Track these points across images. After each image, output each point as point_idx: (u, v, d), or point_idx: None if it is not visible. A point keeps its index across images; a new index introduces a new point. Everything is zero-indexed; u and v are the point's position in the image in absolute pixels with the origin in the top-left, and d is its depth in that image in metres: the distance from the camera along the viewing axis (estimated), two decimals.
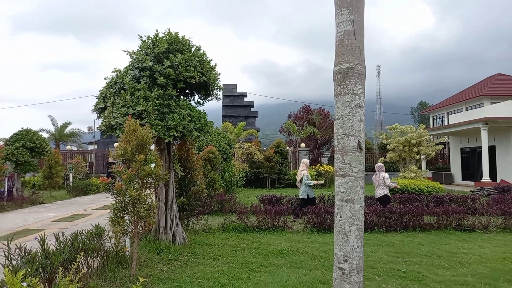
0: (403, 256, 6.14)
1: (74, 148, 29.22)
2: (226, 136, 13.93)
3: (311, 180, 10.08)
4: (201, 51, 6.38)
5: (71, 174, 17.33)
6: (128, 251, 5.35)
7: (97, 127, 6.04)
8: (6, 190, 12.70)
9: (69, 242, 4.12)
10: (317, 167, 22.30)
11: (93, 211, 11.61)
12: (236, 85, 27.91)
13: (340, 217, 3.25)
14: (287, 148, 21.90)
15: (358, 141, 3.27)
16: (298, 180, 9.88)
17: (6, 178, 12.71)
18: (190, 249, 6.32)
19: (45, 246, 3.65)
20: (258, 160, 20.13)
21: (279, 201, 11.05)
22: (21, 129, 14.11)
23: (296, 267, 5.41)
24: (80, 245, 3.96)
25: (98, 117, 6.28)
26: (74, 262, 3.37)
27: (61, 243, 4.15)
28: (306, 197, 9.56)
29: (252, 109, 28.59)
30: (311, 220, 8.29)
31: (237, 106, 27.26)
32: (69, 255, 3.59)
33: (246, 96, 28.60)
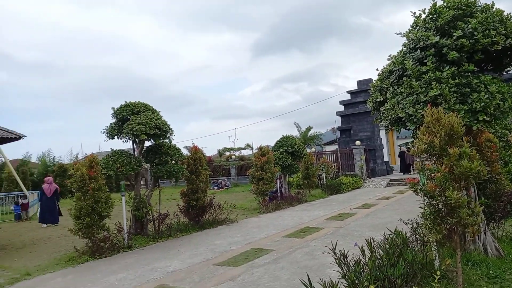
0: None
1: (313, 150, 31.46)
2: None
3: None
4: (496, 7, 4.91)
5: (324, 174, 18.45)
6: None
7: (377, 123, 5.58)
8: (278, 190, 14.65)
9: (388, 250, 3.70)
10: None
11: (356, 210, 11.62)
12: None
13: None
14: None
15: None
16: None
17: (277, 180, 14.66)
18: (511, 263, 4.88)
19: (374, 255, 3.31)
20: None
21: None
22: (282, 136, 16.08)
23: None
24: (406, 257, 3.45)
25: (374, 112, 5.85)
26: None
27: (374, 250, 3.80)
28: None
29: None
30: None
31: None
32: (404, 271, 3.12)
33: None
